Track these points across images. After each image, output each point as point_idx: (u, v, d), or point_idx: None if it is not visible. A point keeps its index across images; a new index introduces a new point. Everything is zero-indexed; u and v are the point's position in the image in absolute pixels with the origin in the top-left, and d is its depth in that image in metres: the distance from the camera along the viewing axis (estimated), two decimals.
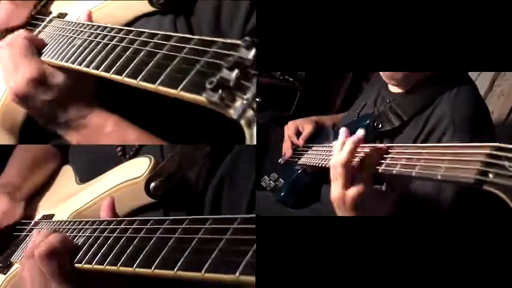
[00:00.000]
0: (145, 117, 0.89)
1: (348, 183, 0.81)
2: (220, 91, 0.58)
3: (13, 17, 1.06)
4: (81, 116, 0.87)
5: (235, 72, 0.58)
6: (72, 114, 0.87)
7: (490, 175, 0.55)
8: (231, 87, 0.58)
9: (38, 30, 1.03)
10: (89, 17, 0.94)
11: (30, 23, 1.07)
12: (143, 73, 0.70)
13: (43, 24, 1.04)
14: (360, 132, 0.83)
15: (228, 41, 0.63)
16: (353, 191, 0.81)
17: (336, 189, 0.83)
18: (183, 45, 0.69)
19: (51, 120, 0.89)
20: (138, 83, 0.70)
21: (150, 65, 0.70)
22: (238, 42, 0.61)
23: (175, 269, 0.59)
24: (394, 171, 0.74)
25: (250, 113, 0.57)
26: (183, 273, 0.58)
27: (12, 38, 0.92)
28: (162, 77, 0.67)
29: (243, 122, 0.57)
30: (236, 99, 0.58)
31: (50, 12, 1.07)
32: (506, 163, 0.54)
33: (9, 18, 1.06)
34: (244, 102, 0.57)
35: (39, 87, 0.86)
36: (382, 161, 0.79)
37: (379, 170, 0.78)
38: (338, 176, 0.82)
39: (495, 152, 0.56)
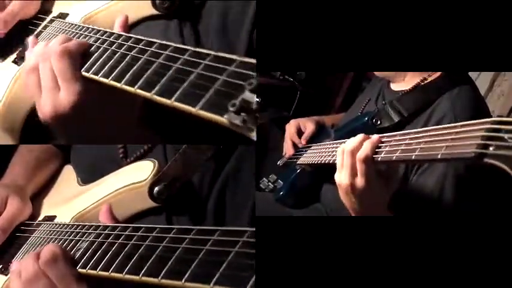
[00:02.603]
0: (148, 118, 0.88)
1: (355, 172, 0.81)
2: (242, 114, 0.56)
3: (25, 10, 1.02)
4: None
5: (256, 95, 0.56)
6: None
7: (491, 148, 0.55)
8: (254, 109, 0.56)
9: (38, 30, 1.01)
10: (124, 26, 0.88)
11: (31, 22, 1.04)
12: (157, 86, 0.67)
13: (43, 24, 1.02)
14: (375, 137, 0.82)
15: (246, 59, 0.61)
16: (362, 180, 0.80)
17: (343, 177, 0.83)
18: (198, 60, 0.66)
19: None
20: (152, 96, 0.67)
21: (164, 79, 0.67)
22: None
23: (182, 280, 0.59)
24: (394, 157, 0.74)
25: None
26: (190, 285, 0.58)
27: (54, 47, 0.79)
28: (178, 93, 0.64)
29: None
30: (258, 122, 0.56)
31: (50, 12, 1.05)
32: (506, 135, 0.54)
33: (22, 10, 1.02)
34: None
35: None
36: (380, 150, 0.78)
37: (379, 159, 0.78)
38: (344, 164, 0.82)
39: (494, 126, 0.56)
